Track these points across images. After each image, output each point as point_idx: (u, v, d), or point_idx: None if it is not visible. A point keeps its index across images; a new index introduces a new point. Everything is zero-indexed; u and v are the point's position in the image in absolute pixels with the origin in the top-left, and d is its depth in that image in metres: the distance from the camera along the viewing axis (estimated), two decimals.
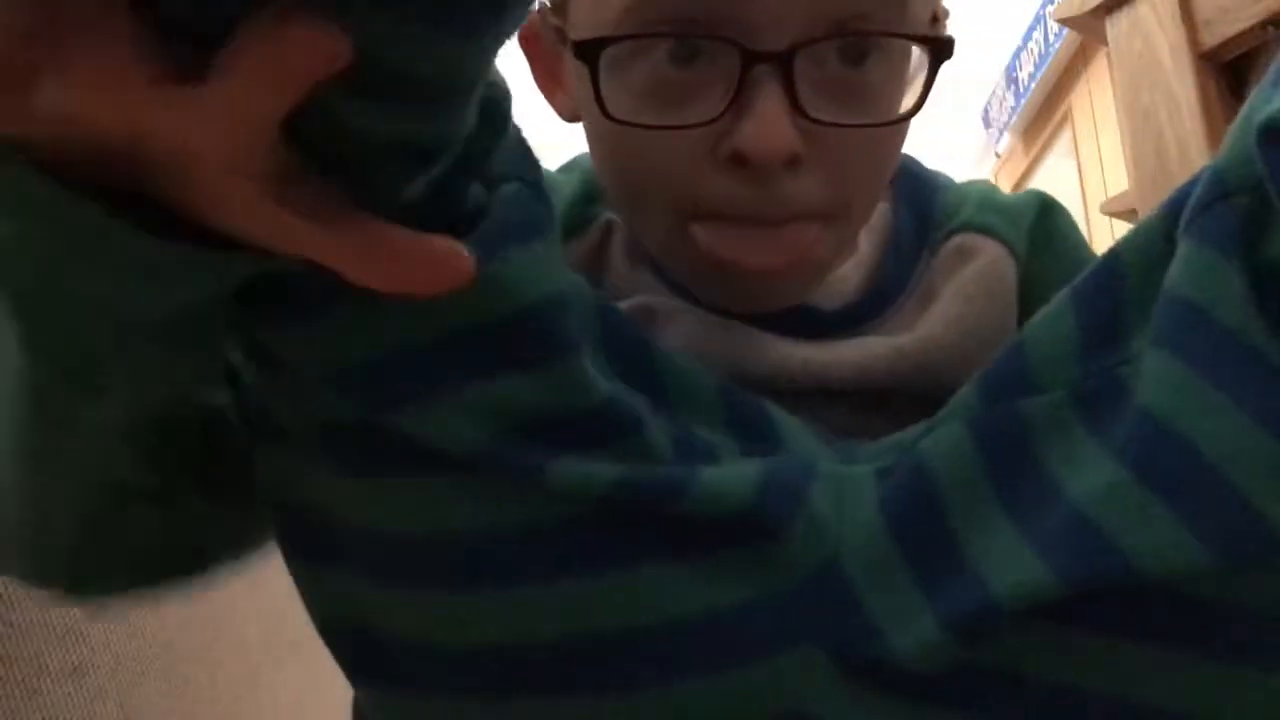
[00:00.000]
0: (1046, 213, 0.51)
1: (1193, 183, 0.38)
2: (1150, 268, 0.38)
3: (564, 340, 0.37)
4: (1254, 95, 0.36)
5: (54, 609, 0.66)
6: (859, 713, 0.36)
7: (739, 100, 0.38)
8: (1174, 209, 0.38)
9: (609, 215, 0.49)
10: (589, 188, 0.51)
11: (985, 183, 0.54)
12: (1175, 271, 0.36)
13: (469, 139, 0.35)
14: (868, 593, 0.37)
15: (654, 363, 0.41)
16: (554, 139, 0.51)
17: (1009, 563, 0.36)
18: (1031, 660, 0.36)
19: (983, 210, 0.50)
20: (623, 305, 0.45)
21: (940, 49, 0.41)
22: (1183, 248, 0.37)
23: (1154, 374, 0.35)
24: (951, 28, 0.46)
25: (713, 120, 0.39)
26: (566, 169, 0.53)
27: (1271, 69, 0.36)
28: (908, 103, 0.43)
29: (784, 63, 0.38)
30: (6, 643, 0.61)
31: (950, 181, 0.54)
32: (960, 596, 0.35)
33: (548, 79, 0.49)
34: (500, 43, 0.29)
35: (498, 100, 0.37)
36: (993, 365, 0.40)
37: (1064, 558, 0.35)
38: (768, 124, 0.38)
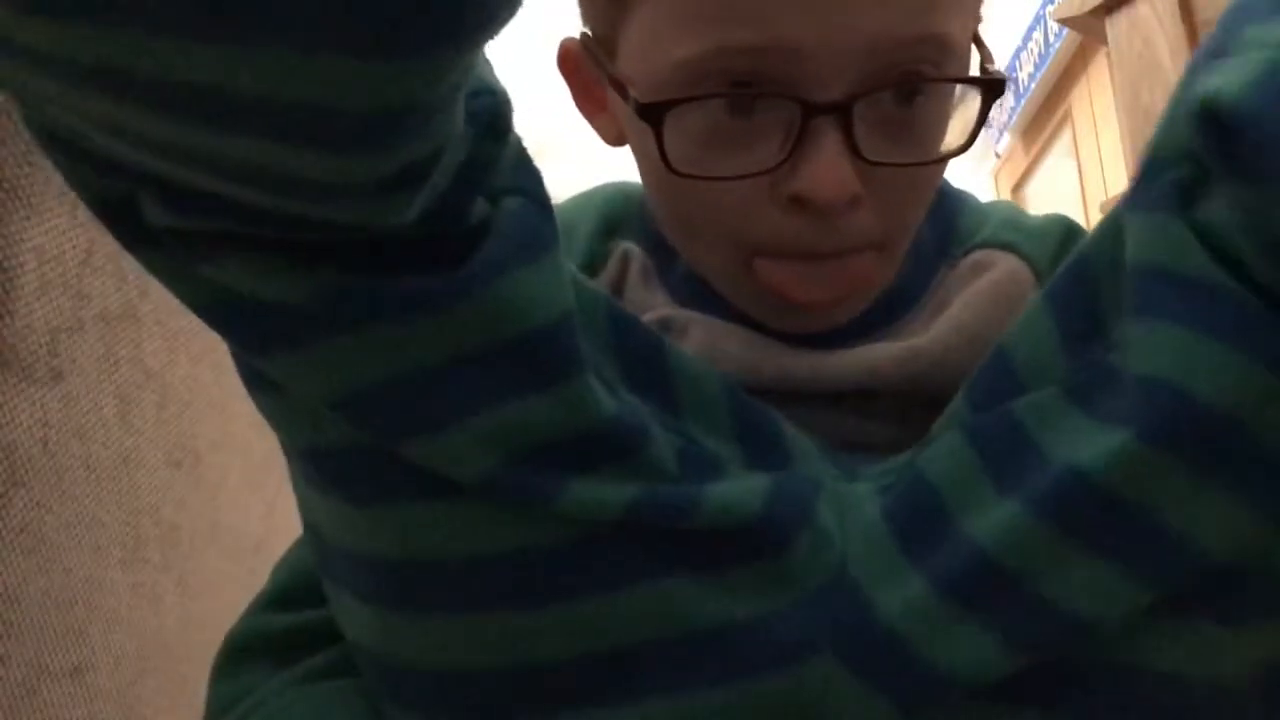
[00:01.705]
0: (1071, 237, 0.51)
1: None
2: (1114, 257, 0.38)
3: (571, 359, 0.37)
4: (1186, 74, 0.37)
5: (54, 609, 0.66)
6: (878, 718, 0.36)
7: (799, 148, 0.39)
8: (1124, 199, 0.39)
9: (624, 246, 0.50)
10: (606, 223, 0.51)
11: (1009, 203, 0.54)
12: (1131, 245, 0.37)
13: (472, 150, 0.35)
14: (876, 595, 0.37)
15: (666, 367, 0.41)
16: (552, 139, 0.51)
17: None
18: (1089, 651, 0.36)
19: (1004, 228, 0.50)
20: None
21: (993, 88, 0.41)
22: (1130, 222, 0.37)
23: (1144, 342, 0.35)
24: None
25: (775, 167, 0.39)
26: (581, 202, 0.53)
27: (1198, 51, 0.37)
28: (954, 132, 0.43)
29: (842, 112, 0.38)
30: (6, 643, 0.61)
31: (975, 201, 0.54)
32: (1024, 617, 0.35)
33: (589, 102, 0.49)
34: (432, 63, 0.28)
35: (499, 109, 0.37)
36: (977, 375, 0.40)
37: (1114, 542, 0.34)
38: (830, 170, 0.38)
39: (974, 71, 0.43)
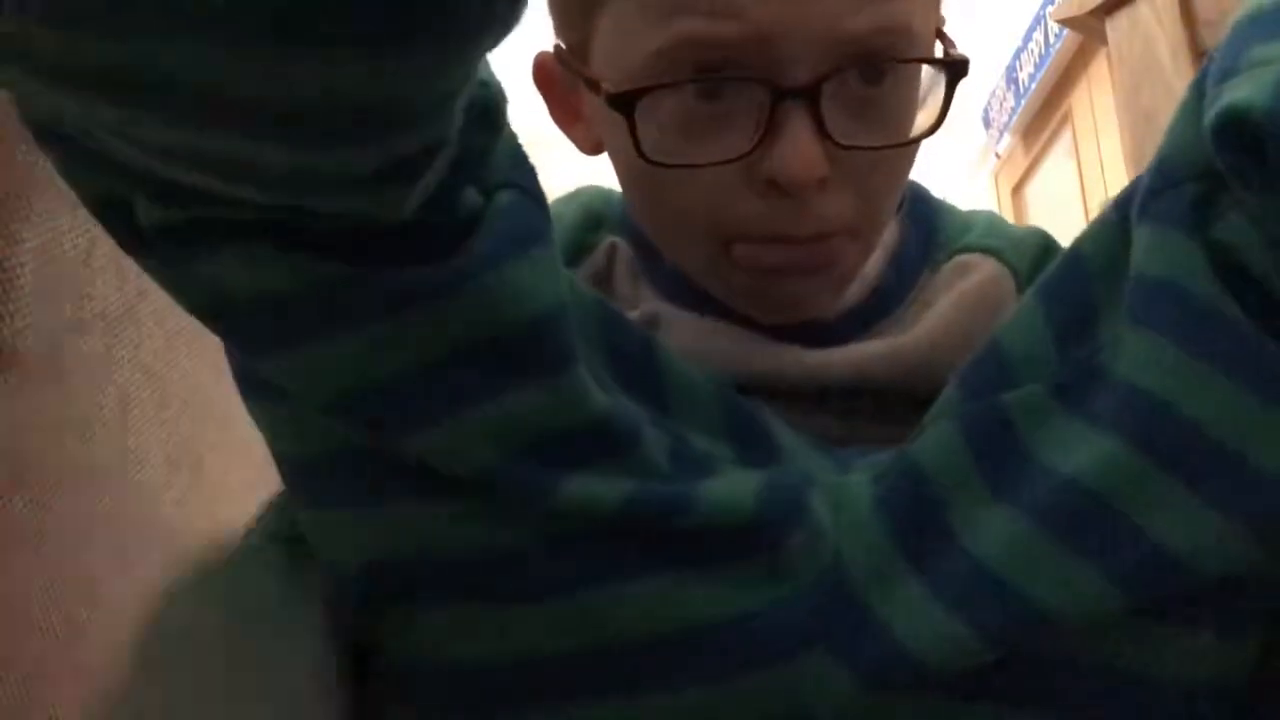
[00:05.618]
0: (1048, 253, 0.52)
1: (1140, 178, 0.40)
2: (1111, 258, 0.39)
3: (565, 351, 0.37)
4: (1191, 95, 0.38)
5: (54, 609, 0.66)
6: (872, 714, 0.37)
7: (770, 131, 0.40)
8: (1124, 202, 0.40)
9: (612, 239, 0.51)
10: (590, 216, 0.52)
11: (991, 212, 0.55)
12: (1140, 254, 0.38)
13: (464, 141, 0.35)
14: (870, 590, 0.37)
15: (657, 367, 0.41)
16: (550, 135, 0.51)
17: (1015, 549, 0.36)
18: (1052, 646, 0.37)
19: (988, 235, 0.51)
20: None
21: (956, 69, 0.42)
22: (1141, 232, 0.38)
23: (1140, 354, 0.36)
24: (952, 28, 0.47)
25: (748, 153, 0.40)
26: (568, 199, 0.54)
27: (1201, 73, 0.38)
28: (922, 118, 0.44)
29: (810, 95, 0.39)
30: (6, 643, 0.61)
31: (957, 208, 0.55)
32: (996, 608, 0.36)
33: (565, 113, 0.50)
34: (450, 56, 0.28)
35: (492, 102, 0.37)
36: (971, 365, 0.41)
37: (1089, 543, 0.35)
38: (800, 152, 0.39)
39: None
